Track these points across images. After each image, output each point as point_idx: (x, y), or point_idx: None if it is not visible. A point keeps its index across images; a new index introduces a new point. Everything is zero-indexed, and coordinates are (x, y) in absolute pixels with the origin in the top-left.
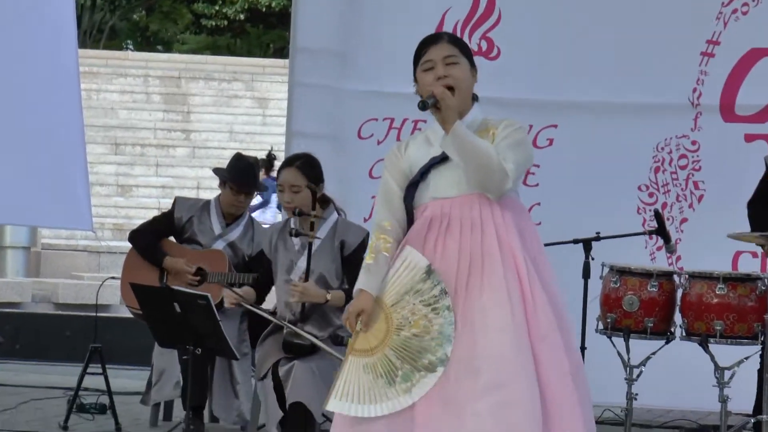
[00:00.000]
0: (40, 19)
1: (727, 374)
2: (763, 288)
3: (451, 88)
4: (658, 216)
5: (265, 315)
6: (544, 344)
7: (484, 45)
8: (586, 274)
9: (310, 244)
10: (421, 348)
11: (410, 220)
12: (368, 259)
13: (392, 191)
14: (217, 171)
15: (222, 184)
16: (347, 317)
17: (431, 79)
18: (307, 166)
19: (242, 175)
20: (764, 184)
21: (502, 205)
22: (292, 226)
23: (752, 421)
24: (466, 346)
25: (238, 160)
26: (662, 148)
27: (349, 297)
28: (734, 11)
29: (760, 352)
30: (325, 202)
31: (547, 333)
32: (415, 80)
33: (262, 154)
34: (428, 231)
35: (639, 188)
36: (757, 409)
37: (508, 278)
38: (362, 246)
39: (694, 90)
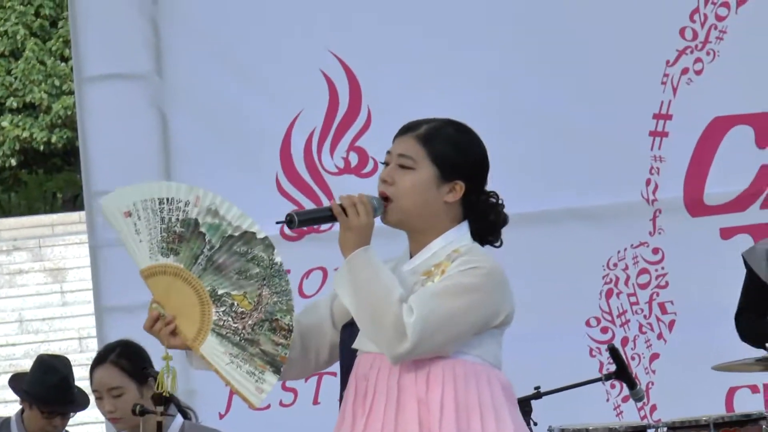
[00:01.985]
0: None
1: None
2: None
3: (387, 199)
4: (614, 353)
5: None
6: None
7: (354, 159)
8: None
9: None
10: None
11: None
12: None
13: (317, 303)
14: (14, 384)
15: (26, 404)
16: None
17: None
18: (124, 357)
19: (53, 393)
20: (750, 288)
21: (435, 370)
22: None
23: None
24: None
25: (45, 370)
26: (615, 265)
27: None
28: (684, 71)
29: None
30: (164, 401)
31: None
32: None
33: (68, 345)
34: (354, 400)
35: (587, 323)
36: None
37: None
38: None
39: (648, 182)
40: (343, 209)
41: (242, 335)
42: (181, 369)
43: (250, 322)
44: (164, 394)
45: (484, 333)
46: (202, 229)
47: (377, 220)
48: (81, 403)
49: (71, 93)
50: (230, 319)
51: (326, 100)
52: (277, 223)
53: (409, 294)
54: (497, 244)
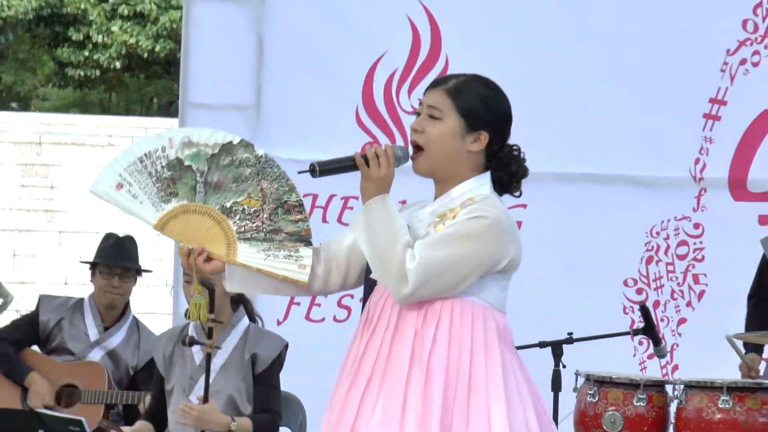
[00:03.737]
0: None
1: None
2: None
3: (418, 148)
4: (644, 312)
5: None
6: None
7: None
8: (556, 385)
9: (209, 356)
10: None
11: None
12: None
13: (341, 236)
14: (85, 261)
15: (92, 272)
16: None
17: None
18: None
19: (109, 251)
20: (762, 273)
21: (433, 306)
22: (190, 332)
23: None
24: None
25: (107, 238)
26: (657, 233)
27: (258, 428)
28: (742, 62)
29: None
30: (236, 302)
31: None
32: None
33: (152, 241)
34: (365, 322)
35: (625, 283)
36: None
37: (410, 398)
38: (279, 362)
39: (697, 161)
40: (366, 160)
41: (264, 230)
42: None
43: (265, 215)
44: (194, 320)
45: (486, 277)
46: (187, 162)
47: None
48: (137, 265)
49: (179, 8)
50: (248, 222)
51: (409, 45)
52: (299, 173)
53: (421, 236)
54: (517, 194)
